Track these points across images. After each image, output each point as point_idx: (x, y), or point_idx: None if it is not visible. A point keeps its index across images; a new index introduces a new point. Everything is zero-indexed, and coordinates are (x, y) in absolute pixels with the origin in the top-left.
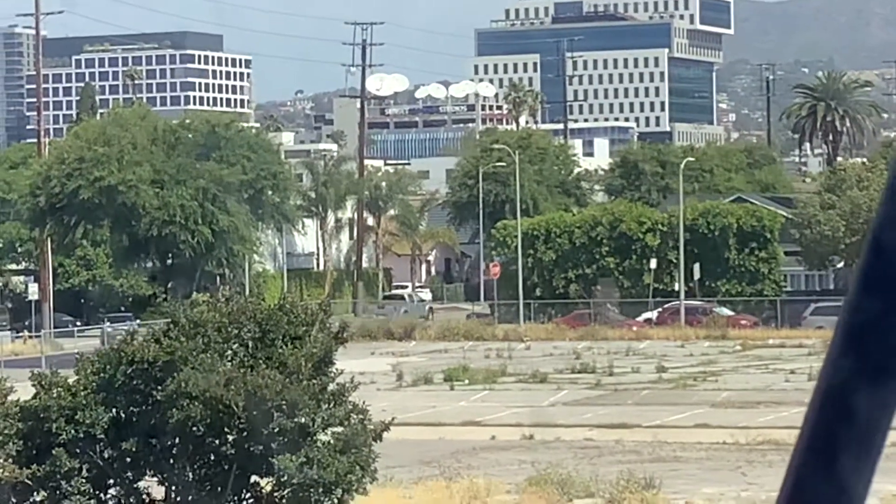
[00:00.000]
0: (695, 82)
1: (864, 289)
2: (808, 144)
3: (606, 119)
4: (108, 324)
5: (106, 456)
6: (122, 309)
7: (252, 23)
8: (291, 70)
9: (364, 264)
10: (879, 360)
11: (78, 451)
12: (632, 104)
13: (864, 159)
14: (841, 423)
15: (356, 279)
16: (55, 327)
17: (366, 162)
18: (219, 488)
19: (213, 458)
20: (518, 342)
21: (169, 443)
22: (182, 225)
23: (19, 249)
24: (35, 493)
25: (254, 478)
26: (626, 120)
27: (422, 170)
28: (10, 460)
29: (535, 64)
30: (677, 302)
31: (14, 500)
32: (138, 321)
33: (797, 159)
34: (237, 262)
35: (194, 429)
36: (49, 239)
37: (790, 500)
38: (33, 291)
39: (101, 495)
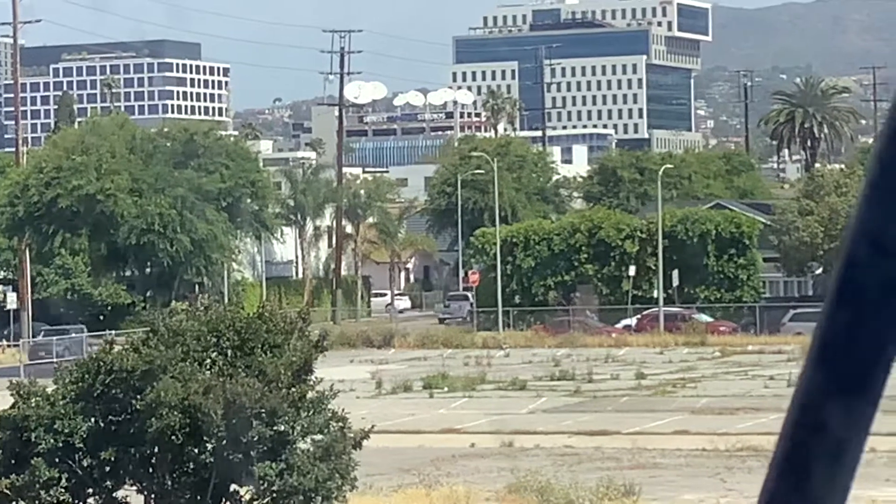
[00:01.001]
0: (673, 89)
1: (838, 302)
2: (786, 151)
3: (585, 126)
4: (39, 337)
5: (85, 465)
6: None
7: (230, 31)
8: (269, 78)
9: (343, 272)
10: (854, 374)
11: (57, 460)
12: (610, 111)
13: (843, 165)
14: (816, 438)
15: (335, 287)
16: (34, 336)
17: (344, 170)
18: (198, 496)
19: (192, 466)
20: (497, 349)
21: (148, 451)
22: (160, 233)
23: None
24: (14, 503)
25: (233, 486)
26: (605, 127)
27: (400, 177)
28: None
29: (513, 71)
30: (656, 308)
31: None
32: (86, 332)
33: (775, 165)
34: (216, 270)
35: (173, 437)
36: (27, 248)
37: None
38: (12, 300)
39: None
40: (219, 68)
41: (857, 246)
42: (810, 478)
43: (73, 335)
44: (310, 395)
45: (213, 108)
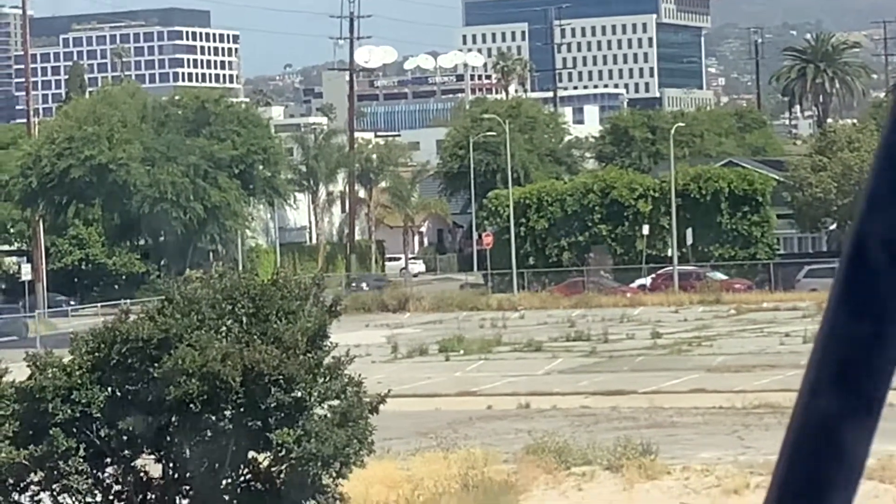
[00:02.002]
0: (683, 47)
1: (845, 312)
2: (798, 107)
3: (596, 86)
4: None
5: (103, 435)
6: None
7: None
8: (280, 44)
9: (357, 237)
10: (865, 390)
11: (75, 430)
12: (621, 70)
13: (855, 120)
14: (822, 455)
15: (349, 252)
16: (49, 307)
17: (356, 134)
18: (216, 464)
19: (210, 434)
20: (512, 311)
21: (165, 420)
22: (173, 202)
23: (11, 230)
24: (33, 474)
25: (251, 453)
26: (616, 86)
27: (412, 141)
28: (7, 441)
29: (523, 33)
30: (670, 267)
31: (11, 481)
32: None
33: (787, 122)
34: (229, 237)
35: (191, 405)
36: (41, 219)
37: None
38: (26, 272)
39: (99, 474)
40: (228, 35)
41: (867, 247)
42: (813, 485)
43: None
44: (326, 360)
45: (224, 76)
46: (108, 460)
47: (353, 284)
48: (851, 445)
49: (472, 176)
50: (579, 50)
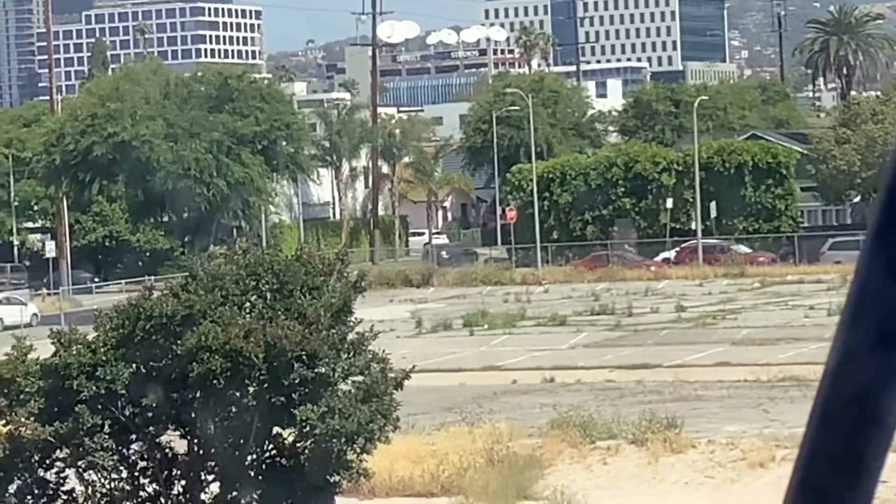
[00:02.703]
0: (706, 20)
1: (881, 272)
2: (821, 79)
3: (619, 60)
4: None
5: (127, 412)
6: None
7: None
8: (302, 20)
9: (380, 212)
10: (872, 398)
11: (100, 407)
12: (643, 44)
13: (878, 93)
14: (859, 421)
15: (373, 227)
16: (73, 284)
17: (379, 110)
18: (241, 440)
19: (234, 410)
20: (536, 286)
21: (190, 396)
22: (197, 178)
23: (35, 207)
24: (58, 450)
25: (276, 429)
26: (639, 60)
27: (435, 116)
28: (33, 418)
29: (545, 6)
30: (694, 241)
31: (37, 458)
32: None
33: (811, 94)
34: (253, 213)
35: (215, 382)
36: (65, 196)
37: None
38: (50, 249)
39: (124, 450)
40: (251, 11)
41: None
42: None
43: None
44: (350, 336)
45: (246, 52)
46: (133, 437)
47: (431, 253)
48: (890, 409)
49: (495, 150)
50: (602, 24)
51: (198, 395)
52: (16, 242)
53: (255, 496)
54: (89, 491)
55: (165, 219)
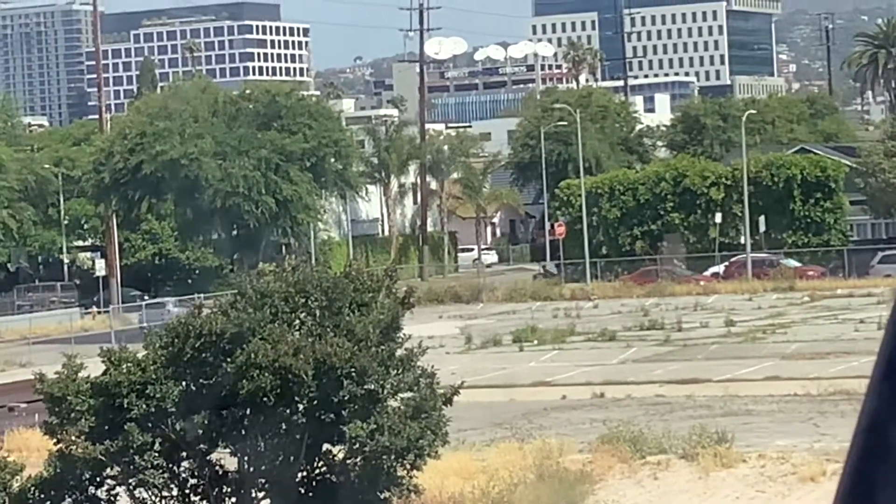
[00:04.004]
0: (754, 34)
1: None
2: (870, 92)
3: (666, 74)
4: None
5: (178, 429)
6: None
7: None
8: (350, 37)
9: (429, 228)
10: None
11: (150, 425)
12: (691, 58)
13: None
14: (883, 463)
15: (422, 243)
16: (123, 302)
17: (427, 126)
18: (291, 457)
19: (284, 427)
20: (586, 301)
21: (240, 414)
22: (245, 196)
23: (85, 226)
24: (109, 468)
25: (325, 446)
26: (687, 74)
27: (483, 132)
28: (83, 436)
29: (593, 22)
30: (744, 255)
31: (88, 476)
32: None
33: (859, 108)
34: (302, 230)
35: (264, 399)
36: (114, 214)
37: None
38: (100, 267)
39: (175, 468)
40: (299, 28)
41: None
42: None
43: None
44: (399, 352)
45: (295, 69)
46: (184, 454)
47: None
48: None
49: (543, 166)
50: (649, 38)
51: (247, 412)
52: (66, 261)
53: None
54: None
55: (214, 236)
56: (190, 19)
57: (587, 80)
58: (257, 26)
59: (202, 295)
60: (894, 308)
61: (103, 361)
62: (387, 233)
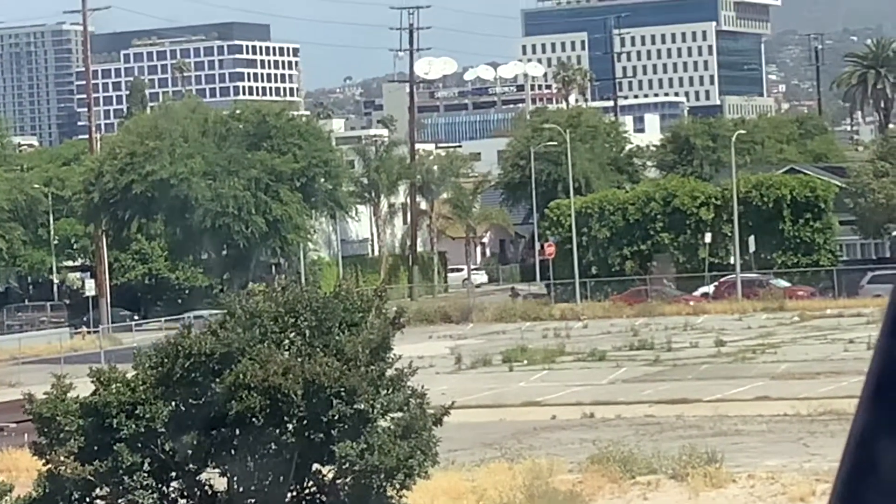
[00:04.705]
0: (743, 54)
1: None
2: (859, 113)
3: (656, 94)
4: None
5: (167, 449)
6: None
7: (298, 11)
8: (339, 57)
9: (419, 248)
10: None
11: (139, 445)
12: (681, 79)
13: None
14: (872, 478)
15: (411, 264)
16: (113, 322)
17: (417, 146)
18: (281, 477)
19: (273, 447)
20: (575, 321)
21: (229, 434)
22: (235, 216)
23: (75, 246)
24: (98, 489)
25: (315, 466)
26: (676, 95)
27: (473, 152)
28: (72, 457)
29: (582, 42)
30: (733, 275)
31: (77, 496)
32: None
33: (849, 128)
34: (292, 250)
35: (254, 419)
36: (104, 234)
37: None
38: (90, 287)
39: (164, 488)
40: (289, 48)
41: None
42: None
43: None
44: (389, 372)
45: (285, 89)
46: (173, 474)
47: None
48: None
49: (533, 186)
50: (639, 59)
51: (237, 432)
52: (56, 281)
53: None
54: None
55: (204, 256)
56: (180, 39)
57: (577, 100)
58: (247, 46)
59: (192, 315)
60: (883, 325)
61: (93, 381)
62: (376, 253)
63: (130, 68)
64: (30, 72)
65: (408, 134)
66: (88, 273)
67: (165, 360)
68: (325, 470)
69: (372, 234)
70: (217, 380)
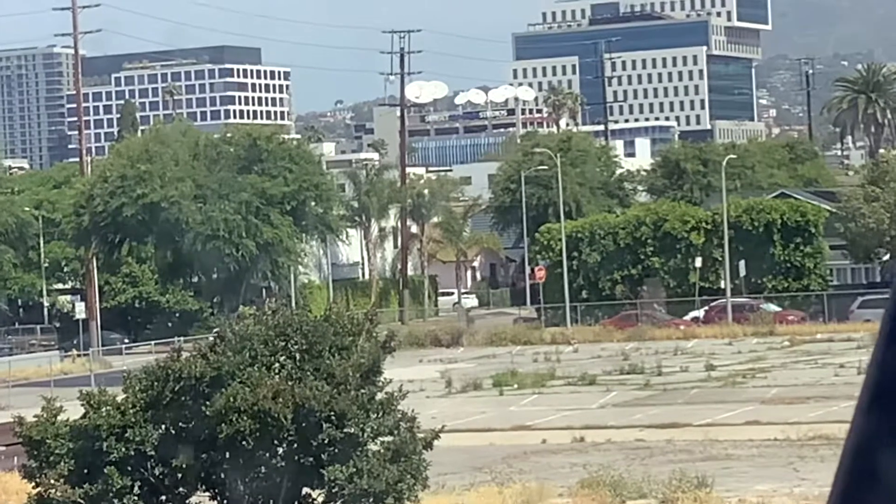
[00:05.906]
0: (734, 79)
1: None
2: (849, 137)
3: (647, 119)
4: None
5: (157, 473)
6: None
7: (289, 35)
8: (330, 81)
9: (409, 272)
10: None
11: (129, 468)
12: (672, 103)
13: None
14: (869, 485)
15: (402, 287)
16: (103, 345)
17: (408, 170)
18: (270, 501)
19: (263, 471)
20: (566, 345)
21: (219, 457)
22: (226, 239)
23: (65, 269)
24: None
25: (305, 489)
26: (667, 119)
27: (464, 176)
28: (62, 480)
29: (573, 66)
30: (724, 299)
31: None
32: None
33: (839, 153)
34: (282, 274)
35: (244, 442)
36: (94, 257)
37: None
38: (80, 310)
39: None
40: (279, 72)
41: None
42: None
43: None
44: (379, 396)
45: (275, 112)
46: (163, 498)
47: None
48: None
49: (523, 210)
50: (630, 83)
51: (227, 455)
52: (46, 304)
53: None
54: None
55: (195, 280)
56: (171, 62)
57: (568, 125)
58: (238, 70)
59: (182, 338)
60: (879, 336)
61: (82, 405)
62: (367, 276)
63: (122, 91)
64: (21, 94)
65: (398, 158)
66: (79, 296)
67: (155, 384)
68: (315, 493)
69: (362, 258)
70: (207, 403)
